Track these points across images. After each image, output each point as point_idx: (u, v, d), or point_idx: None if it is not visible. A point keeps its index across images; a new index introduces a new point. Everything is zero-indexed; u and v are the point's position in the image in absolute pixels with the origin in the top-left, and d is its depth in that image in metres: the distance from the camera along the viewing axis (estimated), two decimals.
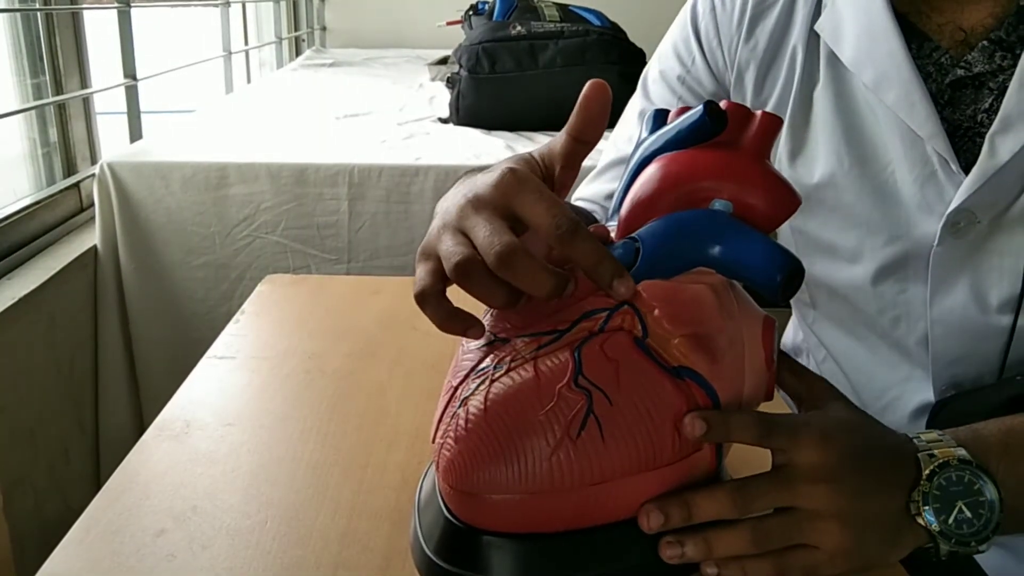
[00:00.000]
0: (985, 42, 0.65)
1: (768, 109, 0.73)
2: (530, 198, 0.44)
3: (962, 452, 0.49)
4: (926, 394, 0.72)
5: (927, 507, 0.48)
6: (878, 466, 0.49)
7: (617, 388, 0.44)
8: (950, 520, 0.48)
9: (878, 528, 0.48)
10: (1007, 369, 0.67)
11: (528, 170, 0.48)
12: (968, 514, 0.48)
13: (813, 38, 0.72)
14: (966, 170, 0.64)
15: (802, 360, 0.91)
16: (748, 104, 0.75)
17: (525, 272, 0.43)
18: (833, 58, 0.70)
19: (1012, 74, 0.63)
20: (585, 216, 0.69)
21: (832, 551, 0.47)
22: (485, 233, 0.44)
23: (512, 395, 0.45)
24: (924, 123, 0.65)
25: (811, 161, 0.72)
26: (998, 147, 0.63)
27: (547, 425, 0.44)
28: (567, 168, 0.50)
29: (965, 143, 0.66)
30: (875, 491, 0.48)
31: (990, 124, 0.63)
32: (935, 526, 0.48)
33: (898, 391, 0.74)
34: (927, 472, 0.48)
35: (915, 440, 0.51)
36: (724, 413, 0.46)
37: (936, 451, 0.50)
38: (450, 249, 0.45)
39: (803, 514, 0.47)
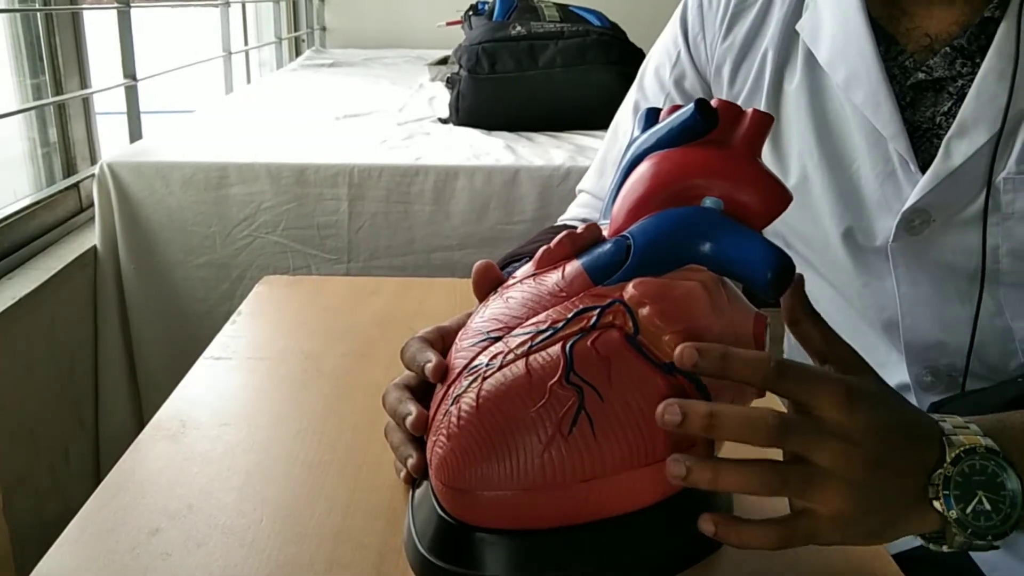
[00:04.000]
0: (947, 48, 0.68)
1: (739, 101, 0.78)
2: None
3: (989, 441, 0.48)
4: (901, 376, 0.74)
5: (947, 492, 0.46)
6: (900, 440, 0.47)
7: (608, 385, 0.45)
8: (968, 509, 0.46)
9: (885, 503, 0.46)
10: (974, 356, 0.69)
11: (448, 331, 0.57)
12: (987, 506, 0.46)
13: (793, 37, 0.75)
14: (924, 170, 0.67)
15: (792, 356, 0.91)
16: (723, 96, 0.79)
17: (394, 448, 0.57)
18: (810, 58, 0.73)
19: (971, 80, 0.66)
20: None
21: (832, 514, 0.45)
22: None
23: (504, 392, 0.45)
24: (888, 123, 0.68)
25: (785, 154, 0.76)
26: (953, 151, 0.66)
27: (539, 422, 0.44)
28: None
29: (923, 144, 0.69)
30: (892, 466, 0.46)
31: (947, 127, 0.67)
32: (953, 513, 0.46)
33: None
34: (952, 456, 0.46)
35: (941, 423, 0.49)
36: (723, 347, 0.44)
37: (962, 436, 0.48)
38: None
39: (816, 469, 0.45)
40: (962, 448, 0.47)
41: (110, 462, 0.64)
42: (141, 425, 1.62)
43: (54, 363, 1.42)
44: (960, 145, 0.65)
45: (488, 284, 0.54)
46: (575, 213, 0.92)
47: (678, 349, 0.44)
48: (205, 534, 0.56)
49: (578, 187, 0.95)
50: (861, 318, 0.76)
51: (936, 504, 0.46)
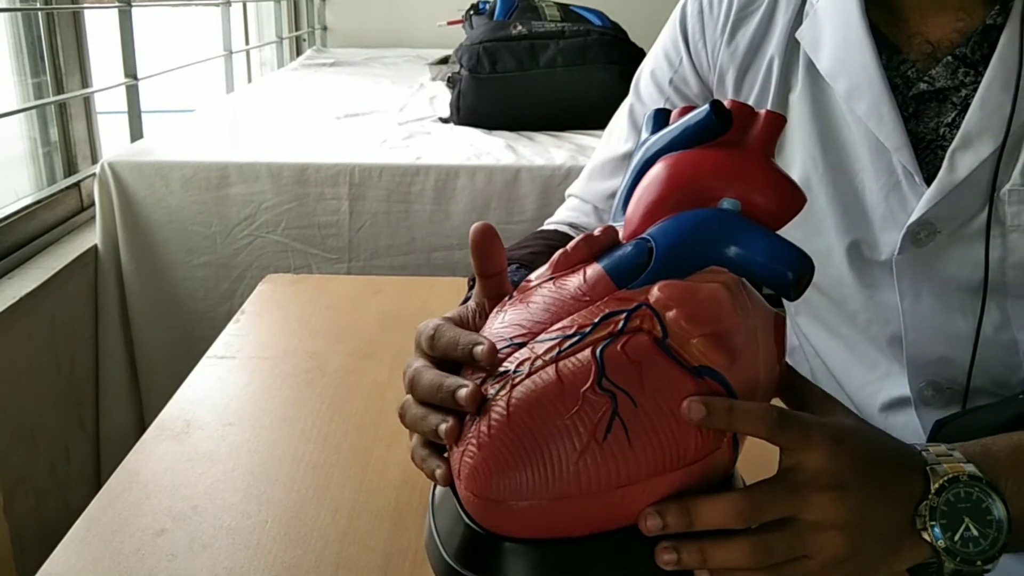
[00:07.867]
0: (949, 57, 0.66)
1: None
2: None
3: (972, 468, 0.48)
4: (903, 390, 0.73)
5: (934, 522, 0.47)
6: (885, 475, 0.48)
7: (641, 389, 0.44)
8: (956, 537, 0.47)
9: (878, 539, 0.47)
10: (975, 372, 0.68)
11: (459, 321, 0.53)
12: (975, 532, 0.47)
13: (793, 45, 0.73)
14: (928, 182, 0.66)
15: (796, 358, 0.91)
16: None
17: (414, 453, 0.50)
18: (811, 66, 0.72)
19: (975, 90, 0.64)
20: (557, 241, 0.75)
21: (825, 560, 0.46)
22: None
23: (536, 399, 0.44)
24: (891, 135, 0.67)
25: (787, 164, 0.74)
26: (957, 163, 0.65)
27: (573, 429, 0.43)
28: (495, 300, 0.53)
29: (928, 155, 0.68)
30: (880, 501, 0.47)
31: (952, 138, 0.65)
32: (941, 542, 0.47)
33: (876, 387, 0.76)
34: (936, 486, 0.47)
35: (924, 453, 0.50)
36: (728, 400, 0.45)
37: (945, 465, 0.48)
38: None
39: (804, 525, 0.46)
40: (946, 477, 0.48)
41: (110, 462, 0.64)
42: (142, 425, 1.62)
43: (54, 363, 1.41)
44: (965, 157, 0.64)
45: (490, 247, 0.51)
46: (563, 216, 0.91)
47: (685, 403, 0.44)
48: (210, 535, 0.56)
49: (567, 191, 0.94)
50: (863, 333, 0.75)
51: (924, 535, 0.47)
